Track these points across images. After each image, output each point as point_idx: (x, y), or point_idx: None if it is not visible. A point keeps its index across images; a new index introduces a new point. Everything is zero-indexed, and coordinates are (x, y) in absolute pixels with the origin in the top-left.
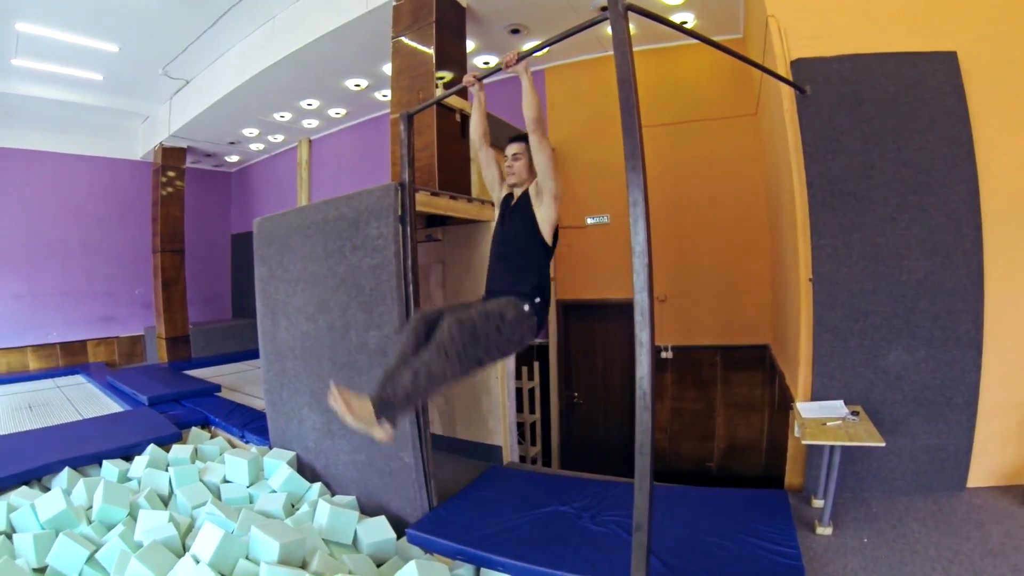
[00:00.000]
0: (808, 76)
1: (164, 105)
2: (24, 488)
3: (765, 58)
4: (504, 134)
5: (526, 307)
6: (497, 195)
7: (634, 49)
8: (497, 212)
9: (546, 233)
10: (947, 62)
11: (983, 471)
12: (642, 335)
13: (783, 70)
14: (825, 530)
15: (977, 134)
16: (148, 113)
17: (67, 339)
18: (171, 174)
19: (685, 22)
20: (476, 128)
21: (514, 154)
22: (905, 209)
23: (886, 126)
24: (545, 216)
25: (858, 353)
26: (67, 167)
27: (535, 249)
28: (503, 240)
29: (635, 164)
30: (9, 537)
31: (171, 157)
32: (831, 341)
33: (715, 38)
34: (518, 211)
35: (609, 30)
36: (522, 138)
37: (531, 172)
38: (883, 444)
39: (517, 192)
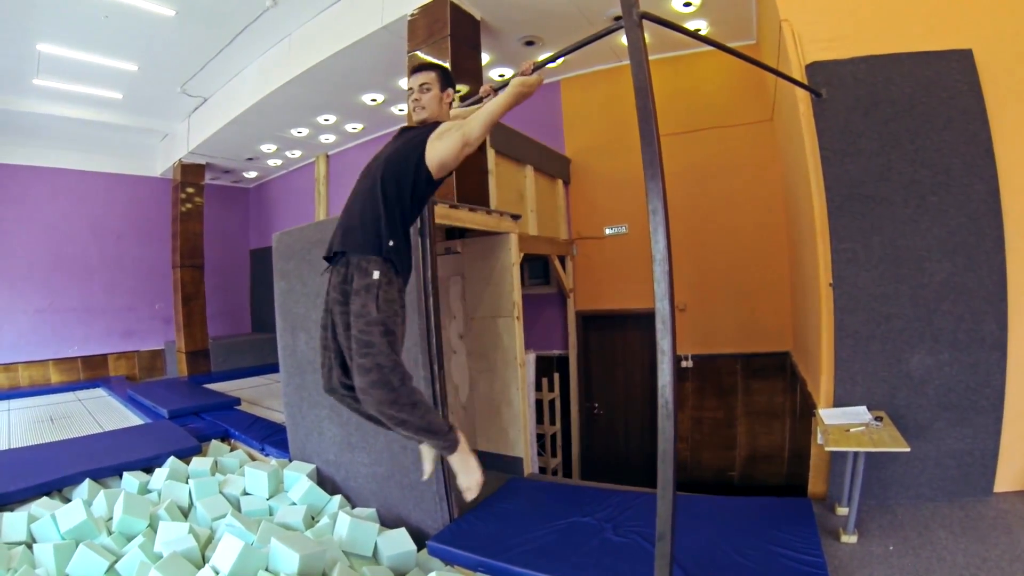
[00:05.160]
0: (823, 79)
1: (183, 122)
2: (45, 499)
3: (779, 63)
4: (515, 143)
5: (376, 275)
6: None
7: (649, 58)
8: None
9: (432, 163)
10: (963, 60)
11: (1010, 475)
12: (663, 343)
13: (798, 74)
14: (850, 538)
15: (995, 132)
16: (167, 131)
17: (88, 353)
18: (190, 190)
19: (699, 29)
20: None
21: (423, 84)
22: (925, 210)
23: (903, 127)
24: (442, 147)
25: (880, 357)
26: (87, 184)
27: (405, 179)
28: (373, 164)
29: (654, 172)
30: (29, 547)
31: (190, 174)
32: (853, 346)
33: (728, 45)
34: (409, 134)
35: (624, 39)
36: (432, 67)
37: (443, 107)
38: (908, 449)
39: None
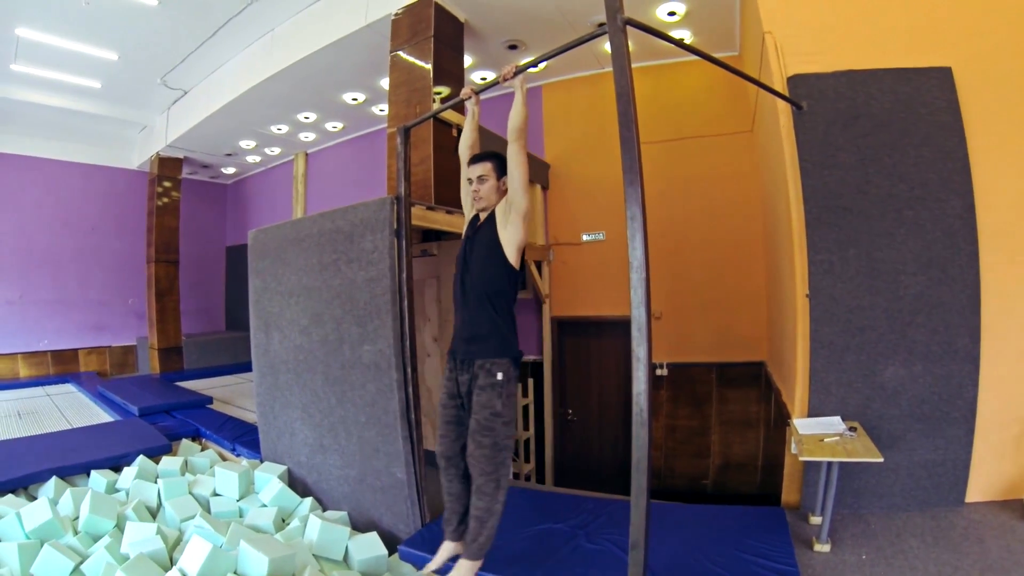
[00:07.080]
0: (804, 92)
1: (162, 115)
2: (10, 496)
3: (761, 74)
4: (494, 147)
5: (500, 376)
6: (467, 215)
7: (632, 65)
8: (463, 235)
9: (512, 257)
10: (942, 77)
11: (981, 486)
12: (639, 350)
13: (779, 86)
14: (823, 547)
15: (972, 148)
16: (145, 122)
17: (58, 347)
18: (167, 184)
19: (682, 39)
20: (465, 140)
21: (480, 176)
22: (901, 224)
23: (882, 141)
24: (511, 237)
25: (855, 368)
26: (63, 174)
27: (501, 280)
28: (466, 272)
29: (633, 178)
30: None
31: (167, 167)
32: (827, 356)
33: (712, 55)
34: (482, 234)
35: (607, 47)
36: (487, 157)
37: (500, 194)
38: (881, 460)
39: (484, 215)
